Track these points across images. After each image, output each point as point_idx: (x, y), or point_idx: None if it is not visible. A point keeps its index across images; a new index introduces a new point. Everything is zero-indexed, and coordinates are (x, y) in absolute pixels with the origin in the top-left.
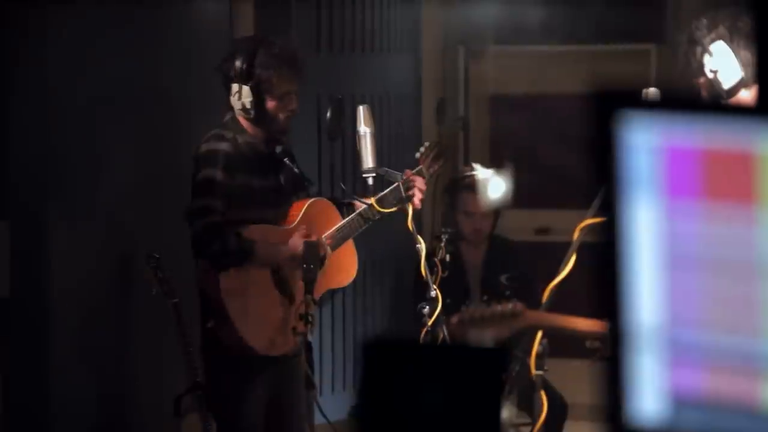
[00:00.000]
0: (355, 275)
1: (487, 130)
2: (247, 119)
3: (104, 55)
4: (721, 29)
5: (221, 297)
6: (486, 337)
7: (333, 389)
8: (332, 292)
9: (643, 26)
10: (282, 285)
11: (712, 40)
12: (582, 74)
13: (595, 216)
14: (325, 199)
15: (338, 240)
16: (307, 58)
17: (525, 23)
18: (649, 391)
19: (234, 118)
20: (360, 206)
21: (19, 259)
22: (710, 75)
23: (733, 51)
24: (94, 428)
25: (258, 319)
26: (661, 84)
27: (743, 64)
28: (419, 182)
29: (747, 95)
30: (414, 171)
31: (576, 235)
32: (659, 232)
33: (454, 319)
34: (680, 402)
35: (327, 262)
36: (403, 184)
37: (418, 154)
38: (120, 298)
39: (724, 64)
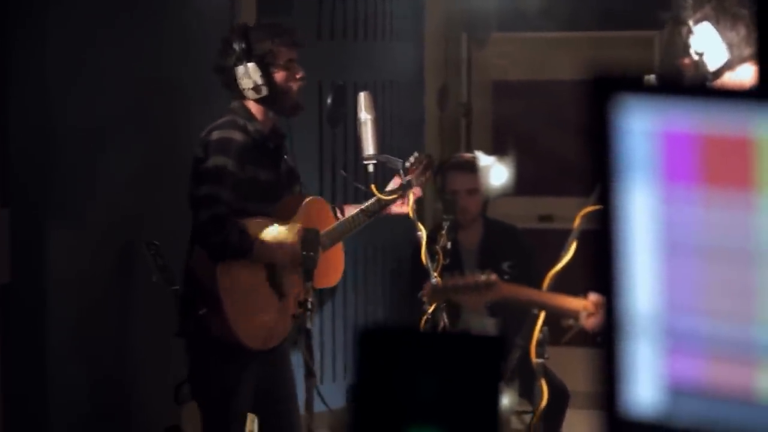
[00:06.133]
0: (340, 277)
1: (490, 117)
2: (260, 101)
3: (104, 43)
4: (708, 9)
5: (217, 288)
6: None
7: (333, 377)
8: None
9: (646, 13)
10: (275, 283)
11: (698, 21)
12: (585, 61)
13: (596, 203)
14: (322, 199)
15: (329, 241)
16: (308, 46)
17: (528, 10)
18: (645, 379)
19: (242, 105)
20: (349, 211)
21: (20, 246)
22: (695, 57)
23: (719, 32)
24: (93, 415)
25: (250, 313)
26: (664, 71)
27: (729, 45)
28: (413, 191)
29: (732, 77)
30: (404, 180)
31: (577, 222)
32: (656, 218)
33: (427, 287)
34: (677, 390)
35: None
36: (386, 194)
37: (407, 164)
38: (120, 285)
39: (709, 45)
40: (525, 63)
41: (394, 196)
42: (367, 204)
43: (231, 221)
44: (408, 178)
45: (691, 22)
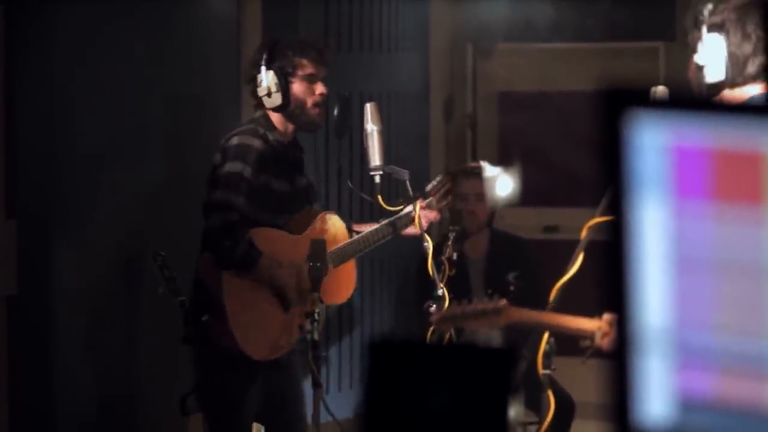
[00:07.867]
0: (351, 294)
1: (496, 128)
2: (276, 109)
3: (111, 55)
4: (727, 13)
5: (222, 296)
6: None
7: (340, 387)
8: None
9: (652, 24)
10: (280, 294)
11: (711, 28)
12: (591, 72)
13: (603, 214)
14: (337, 216)
15: (341, 258)
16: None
17: (534, 21)
18: (656, 393)
19: (264, 115)
20: (363, 230)
21: (27, 257)
22: (697, 65)
23: (728, 45)
24: (99, 427)
25: (253, 324)
26: (670, 82)
27: (732, 63)
28: (429, 213)
29: (732, 94)
30: (425, 202)
31: (584, 233)
32: (667, 232)
33: (436, 315)
34: (688, 405)
35: (324, 278)
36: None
37: (429, 187)
38: (126, 296)
39: (713, 59)
40: (531, 74)
41: (405, 210)
42: (379, 225)
43: (243, 230)
44: (429, 200)
45: (704, 28)
